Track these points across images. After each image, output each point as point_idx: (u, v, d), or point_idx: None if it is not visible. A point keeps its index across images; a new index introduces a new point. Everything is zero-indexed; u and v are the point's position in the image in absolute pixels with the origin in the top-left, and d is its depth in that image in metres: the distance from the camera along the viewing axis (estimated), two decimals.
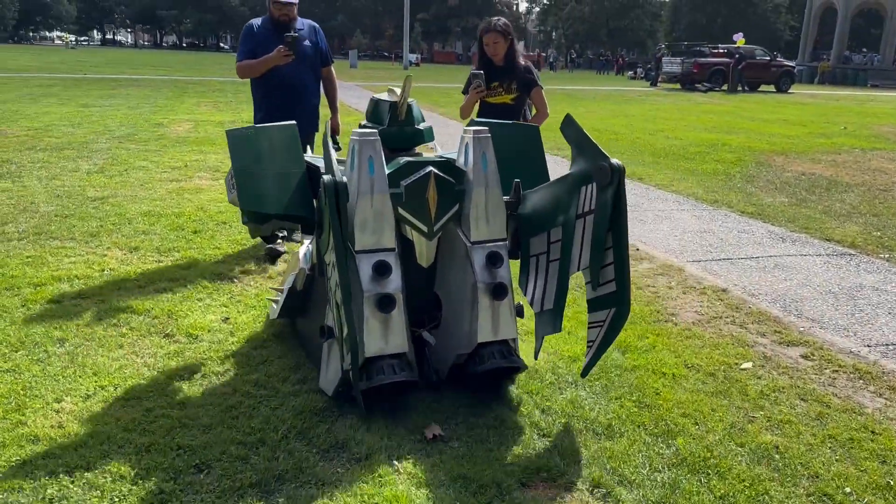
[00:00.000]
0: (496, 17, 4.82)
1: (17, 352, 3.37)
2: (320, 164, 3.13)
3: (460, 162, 3.13)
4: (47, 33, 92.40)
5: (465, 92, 4.79)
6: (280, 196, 3.07)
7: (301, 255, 3.47)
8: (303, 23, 5.07)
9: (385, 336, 2.86)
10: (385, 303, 2.82)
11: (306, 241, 3.52)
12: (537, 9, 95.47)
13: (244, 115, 13.93)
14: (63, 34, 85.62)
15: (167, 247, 5.14)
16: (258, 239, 5.13)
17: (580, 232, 2.84)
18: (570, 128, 2.92)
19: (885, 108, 22.58)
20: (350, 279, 2.77)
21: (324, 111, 5.14)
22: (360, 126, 3.24)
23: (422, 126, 3.33)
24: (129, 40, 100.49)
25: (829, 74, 44.15)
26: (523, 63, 4.80)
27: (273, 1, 4.87)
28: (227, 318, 3.89)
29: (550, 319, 2.98)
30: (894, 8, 44.92)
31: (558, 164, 7.79)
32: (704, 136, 13.58)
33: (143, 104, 15.10)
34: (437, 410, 2.96)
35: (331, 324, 2.96)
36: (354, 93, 20.66)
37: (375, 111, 3.33)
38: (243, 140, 3.14)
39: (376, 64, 57.98)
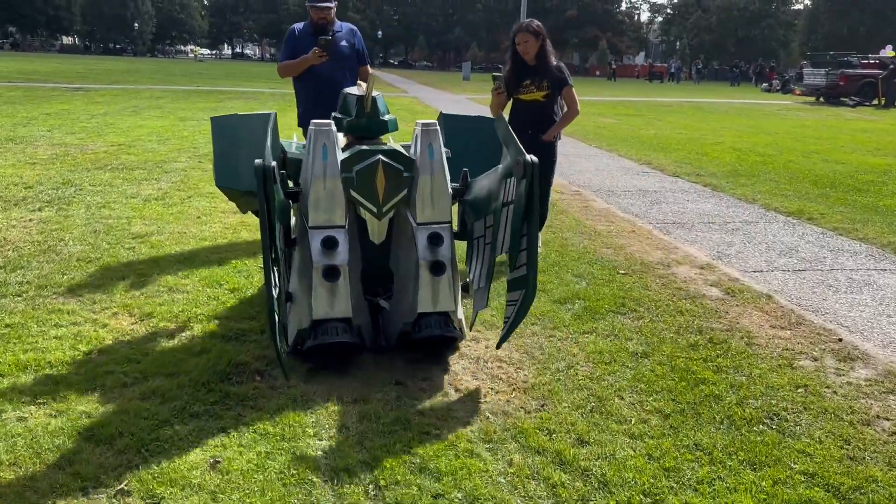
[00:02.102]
0: (529, 19, 5.07)
1: None
2: (299, 154, 3.63)
3: (411, 152, 3.46)
4: (181, 47, 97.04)
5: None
6: (248, 175, 3.33)
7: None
8: (341, 25, 5.44)
9: (331, 302, 3.21)
10: (330, 273, 3.19)
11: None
12: (660, 18, 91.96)
13: None
14: (195, 48, 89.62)
15: (188, 314, 3.91)
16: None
17: (504, 219, 3.21)
18: (500, 128, 3.38)
19: None
20: (295, 246, 3.41)
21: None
22: (331, 117, 3.59)
23: (386, 118, 3.65)
24: (257, 54, 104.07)
25: None
26: (555, 62, 4.99)
27: (311, 6, 5.25)
28: (218, 463, 2.56)
29: (482, 297, 3.38)
30: None
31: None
32: (870, 160, 11.39)
33: None
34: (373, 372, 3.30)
35: (292, 289, 3.38)
36: (461, 107, 19.40)
37: (345, 104, 3.67)
38: (225, 127, 3.69)
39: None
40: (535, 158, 2.98)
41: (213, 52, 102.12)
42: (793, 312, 4.22)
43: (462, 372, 3.36)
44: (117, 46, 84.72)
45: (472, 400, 3.10)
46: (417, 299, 3.32)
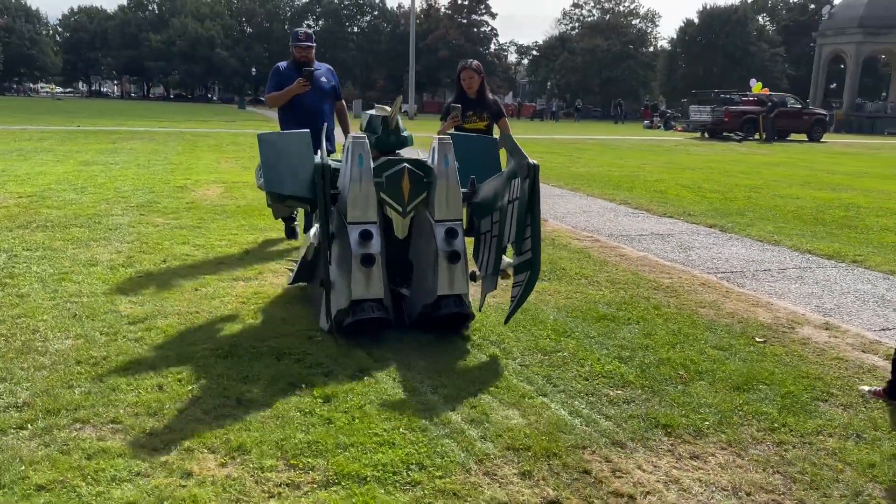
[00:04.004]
0: (470, 59, 5.98)
1: None
2: (336, 165, 4.21)
3: (429, 161, 4.14)
4: (31, 84, 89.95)
5: (442, 119, 5.68)
6: (294, 182, 4.10)
7: (311, 233, 4.43)
8: (320, 65, 6.28)
9: (367, 285, 3.83)
10: (367, 260, 3.81)
11: (315, 225, 4.30)
12: (526, 60, 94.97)
13: None
14: (49, 85, 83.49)
15: (292, 445, 2.79)
16: None
17: (509, 214, 3.86)
18: (507, 141, 4.10)
19: None
20: (334, 239, 4.04)
21: None
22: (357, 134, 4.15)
23: (405, 134, 4.38)
24: (115, 91, 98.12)
25: (843, 123, 42.82)
26: (491, 97, 5.88)
27: (295, 45, 6.15)
28: None
29: (491, 281, 4.08)
30: None
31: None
32: (817, 194, 11.49)
33: (153, 161, 12.78)
34: (408, 343, 3.91)
35: (333, 278, 3.95)
36: None
37: (371, 123, 4.37)
38: (270, 142, 4.23)
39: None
40: (536, 162, 3.73)
41: (69, 89, 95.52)
42: None
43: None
44: None
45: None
46: (437, 284, 3.95)
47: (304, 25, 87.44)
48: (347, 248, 3.85)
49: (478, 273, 4.22)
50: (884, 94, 62.05)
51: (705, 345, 4.04)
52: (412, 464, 2.68)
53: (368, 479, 2.57)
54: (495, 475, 2.64)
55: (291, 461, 2.68)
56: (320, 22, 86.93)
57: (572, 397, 3.32)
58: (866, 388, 3.53)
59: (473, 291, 4.30)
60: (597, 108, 74.25)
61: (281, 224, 7.06)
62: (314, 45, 6.20)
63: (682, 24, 70.22)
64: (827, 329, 4.46)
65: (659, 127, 39.42)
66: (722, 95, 31.03)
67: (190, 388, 3.28)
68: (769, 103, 28.53)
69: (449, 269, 3.94)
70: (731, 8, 67.66)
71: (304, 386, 3.33)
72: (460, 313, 3.98)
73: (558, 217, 8.36)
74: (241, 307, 4.51)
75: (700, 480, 2.67)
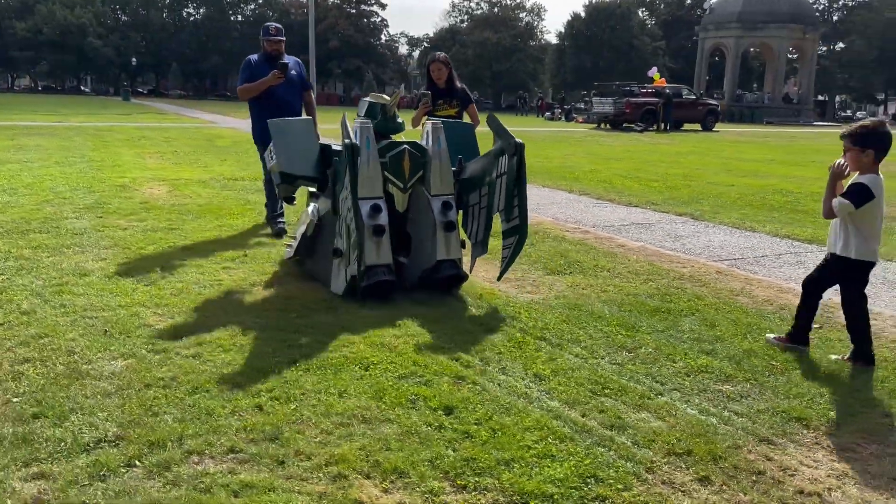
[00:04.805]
0: (439, 52, 6.48)
1: None
2: (331, 144, 4.72)
3: (424, 144, 4.68)
4: None
5: (415, 107, 6.16)
6: (303, 164, 4.66)
7: (309, 211, 4.97)
8: (288, 57, 6.44)
9: (377, 252, 4.34)
10: (378, 230, 4.32)
11: (312, 204, 5.01)
12: (417, 52, 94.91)
13: (221, 168, 11.06)
14: None
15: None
16: None
17: (498, 187, 4.51)
18: (493, 122, 4.56)
19: (815, 144, 22.27)
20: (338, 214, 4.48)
21: None
22: (359, 119, 4.60)
23: (400, 120, 4.89)
24: None
25: (725, 113, 45.27)
26: (460, 85, 6.31)
27: (266, 39, 6.37)
28: None
29: (481, 246, 4.75)
30: (780, 48, 47.01)
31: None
32: (745, 181, 12.02)
33: (71, 158, 11.78)
34: (415, 302, 4.41)
35: (339, 245, 4.47)
36: None
37: (371, 109, 4.77)
38: (279, 127, 4.66)
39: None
40: (521, 141, 4.35)
41: None
42: None
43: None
44: None
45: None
46: (435, 250, 4.50)
47: (184, 13, 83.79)
48: (360, 220, 4.28)
49: (467, 241, 4.83)
50: (755, 84, 66.31)
51: (771, 333, 4.06)
52: (587, 476, 2.52)
53: (554, 496, 2.40)
54: (674, 483, 2.53)
55: (458, 482, 2.47)
56: (201, 10, 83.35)
57: (688, 395, 3.25)
58: (771, 335, 3.95)
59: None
60: (488, 100, 75.14)
61: (261, 219, 6.75)
62: (285, 38, 6.47)
63: (570, 18, 72.18)
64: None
65: (560, 118, 40.33)
66: (623, 88, 32.05)
67: (292, 406, 2.97)
68: (667, 94, 29.74)
69: (445, 236, 4.52)
70: (615, 2, 70.10)
71: (414, 397, 3.09)
72: (457, 275, 4.59)
73: (532, 209, 8.27)
74: (281, 313, 4.16)
75: (867, 472, 2.65)
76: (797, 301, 3.90)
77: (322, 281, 4.72)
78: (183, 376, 3.24)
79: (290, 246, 5.25)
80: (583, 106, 39.48)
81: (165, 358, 3.45)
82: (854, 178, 3.60)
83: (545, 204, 8.82)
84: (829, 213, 3.64)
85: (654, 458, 2.67)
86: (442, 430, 2.82)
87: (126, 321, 3.93)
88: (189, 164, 11.72)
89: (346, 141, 4.28)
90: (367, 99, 4.89)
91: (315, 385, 3.20)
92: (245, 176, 10.19)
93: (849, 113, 79.31)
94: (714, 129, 31.42)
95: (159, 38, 79.16)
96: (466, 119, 6.30)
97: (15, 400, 2.96)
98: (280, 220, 6.51)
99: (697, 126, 31.42)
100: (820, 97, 66.13)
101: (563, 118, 40.11)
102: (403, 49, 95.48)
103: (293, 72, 6.36)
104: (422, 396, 3.11)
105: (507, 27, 76.70)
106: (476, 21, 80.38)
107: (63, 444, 2.62)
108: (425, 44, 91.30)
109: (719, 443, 2.79)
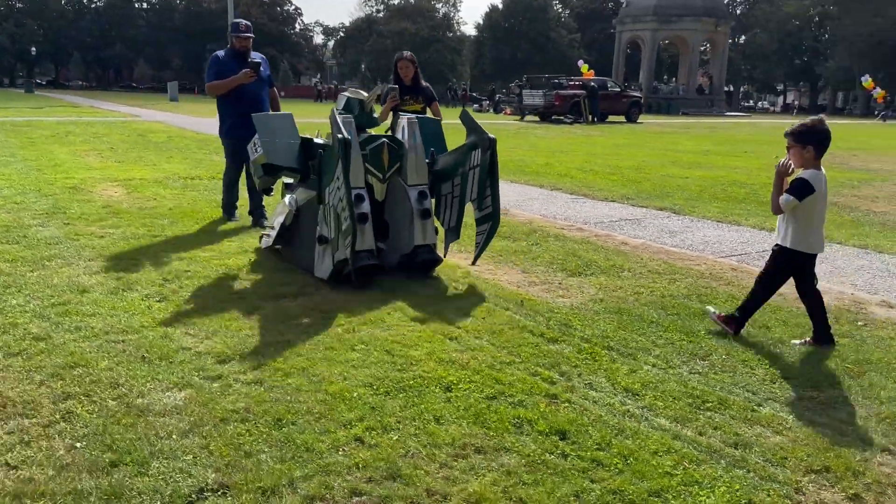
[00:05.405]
0: (405, 51, 6.88)
1: None
2: (312, 138, 4.98)
3: (400, 137, 5.05)
4: None
5: (382, 102, 6.16)
6: (286, 156, 4.91)
7: (287, 202, 5.24)
8: (255, 54, 6.48)
9: (362, 238, 4.55)
10: (362, 218, 4.54)
11: (288, 195, 5.31)
12: (332, 42, 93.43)
13: (171, 166, 10.43)
14: None
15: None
16: None
17: (470, 179, 4.93)
18: (466, 118, 5.08)
19: (737, 135, 23.18)
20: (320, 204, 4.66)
21: None
22: (338, 113, 4.78)
23: (375, 115, 5.42)
24: None
25: (644, 104, 46.47)
26: (424, 84, 6.71)
27: (235, 35, 6.47)
28: None
29: (454, 232, 5.15)
30: (694, 41, 48.58)
31: None
32: (696, 173, 12.24)
33: (3, 157, 10.89)
34: (395, 284, 4.73)
35: (324, 233, 4.64)
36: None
37: (349, 104, 5.13)
38: (263, 121, 5.01)
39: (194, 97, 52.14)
40: (493, 136, 4.73)
41: None
42: None
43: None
44: None
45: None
46: (413, 236, 4.83)
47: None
48: (348, 209, 4.39)
49: (440, 227, 5.18)
50: (665, 76, 68.45)
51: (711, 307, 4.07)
52: (744, 503, 2.39)
53: None
54: None
55: None
56: None
57: (785, 405, 3.17)
58: (711, 308, 4.21)
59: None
60: (449, 91, 74.57)
61: (243, 220, 6.66)
62: (253, 35, 6.61)
63: (488, 10, 72.52)
64: (890, 307, 4.67)
65: (489, 110, 40.41)
66: (552, 80, 32.32)
67: (393, 437, 2.73)
68: (591, 87, 30.18)
69: (422, 224, 4.87)
70: None
71: (517, 420, 2.89)
72: (433, 259, 4.96)
73: (513, 204, 8.18)
74: (324, 327, 3.87)
75: None
76: (828, 299, 3.93)
77: (303, 267, 4.95)
78: (256, 406, 2.93)
79: (267, 235, 5.52)
80: (507, 98, 39.63)
81: (226, 386, 3.12)
82: (798, 173, 3.81)
83: (523, 200, 8.70)
84: (778, 209, 3.86)
85: (798, 479, 2.56)
86: (568, 459, 2.63)
87: (160, 344, 3.55)
88: (133, 162, 11.01)
89: (340, 136, 4.35)
90: (346, 94, 5.25)
91: (404, 410, 2.96)
92: (202, 174, 9.65)
93: (751, 103, 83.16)
94: (638, 121, 32.13)
95: (58, 25, 74.87)
96: (429, 114, 6.35)
97: (79, 445, 2.59)
98: (263, 212, 6.57)
99: (622, 118, 32.05)
100: (726, 88, 68.83)
101: (492, 110, 40.21)
102: (319, 38, 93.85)
103: (262, 68, 6.44)
104: (525, 420, 2.91)
105: (425, 18, 76.33)
106: (392, 11, 79.73)
107: (161, 496, 2.30)
108: (341, 33, 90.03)
109: (850, 456, 2.71)
